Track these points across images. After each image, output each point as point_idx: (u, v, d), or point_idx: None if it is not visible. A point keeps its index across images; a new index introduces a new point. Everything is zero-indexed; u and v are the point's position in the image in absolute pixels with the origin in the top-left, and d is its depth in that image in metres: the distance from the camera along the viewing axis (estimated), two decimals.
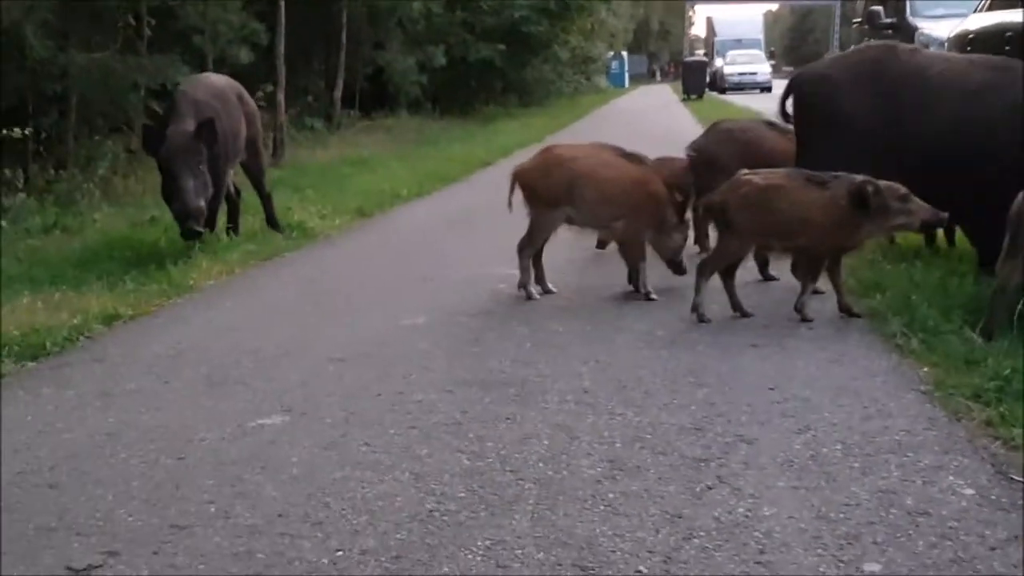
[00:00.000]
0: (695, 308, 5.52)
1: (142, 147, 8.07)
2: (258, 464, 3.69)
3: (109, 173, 11.57)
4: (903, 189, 5.15)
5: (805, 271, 5.44)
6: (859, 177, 5.19)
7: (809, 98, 6.32)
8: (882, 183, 5.16)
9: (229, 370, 4.90)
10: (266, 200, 8.83)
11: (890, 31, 15.38)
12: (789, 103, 6.59)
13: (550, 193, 6.08)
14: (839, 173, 5.27)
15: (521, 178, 6.21)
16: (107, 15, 12.46)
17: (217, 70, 14.97)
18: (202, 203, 7.25)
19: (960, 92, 5.87)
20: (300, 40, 20.03)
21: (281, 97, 14.71)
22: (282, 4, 14.41)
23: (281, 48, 14.62)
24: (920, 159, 5.72)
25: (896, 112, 5.89)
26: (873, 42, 6.71)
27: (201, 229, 7.34)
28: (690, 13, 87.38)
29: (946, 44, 12.40)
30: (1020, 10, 9.79)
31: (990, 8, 11.31)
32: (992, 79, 5.87)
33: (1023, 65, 5.97)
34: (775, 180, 5.33)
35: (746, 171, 5.46)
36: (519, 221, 6.29)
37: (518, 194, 6.24)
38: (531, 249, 6.25)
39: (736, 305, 5.55)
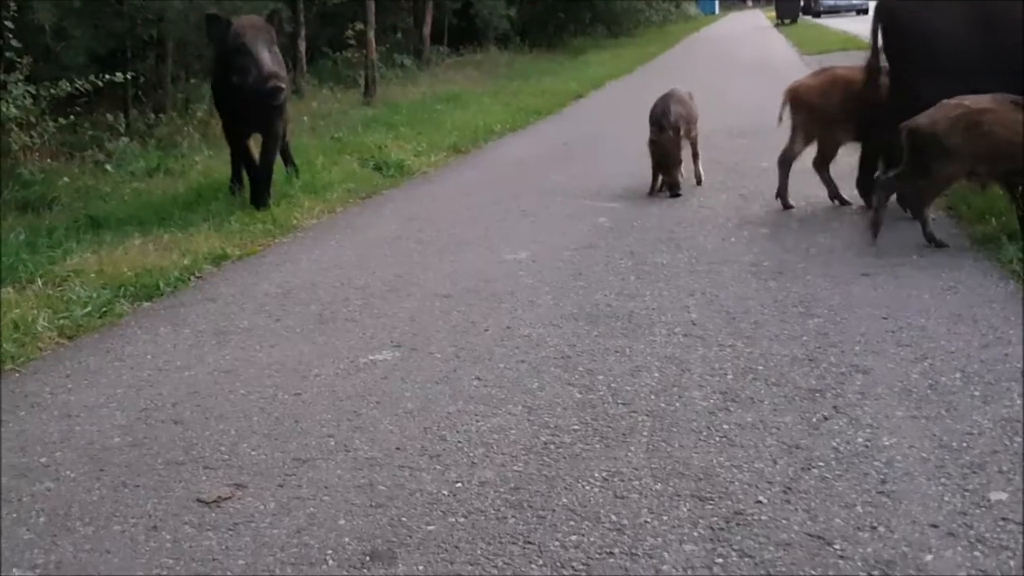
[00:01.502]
0: (931, 238, 5.32)
1: (206, 35, 7.47)
2: (373, 399, 3.75)
3: (207, 116, 11.70)
4: None
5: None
6: None
7: (898, 23, 6.01)
8: None
9: (338, 307, 4.97)
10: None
11: None
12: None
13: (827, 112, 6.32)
14: None
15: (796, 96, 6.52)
16: None
17: (307, 10, 15.10)
18: (281, 70, 6.92)
19: None
20: None
21: (371, 35, 14.71)
22: None
23: None
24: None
25: (993, 24, 5.57)
26: None
27: (283, 85, 6.94)
28: None
29: None
30: None
31: None
32: None
33: None
34: (984, 103, 5.14)
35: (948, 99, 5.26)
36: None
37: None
38: (823, 164, 6.54)
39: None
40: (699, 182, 7.36)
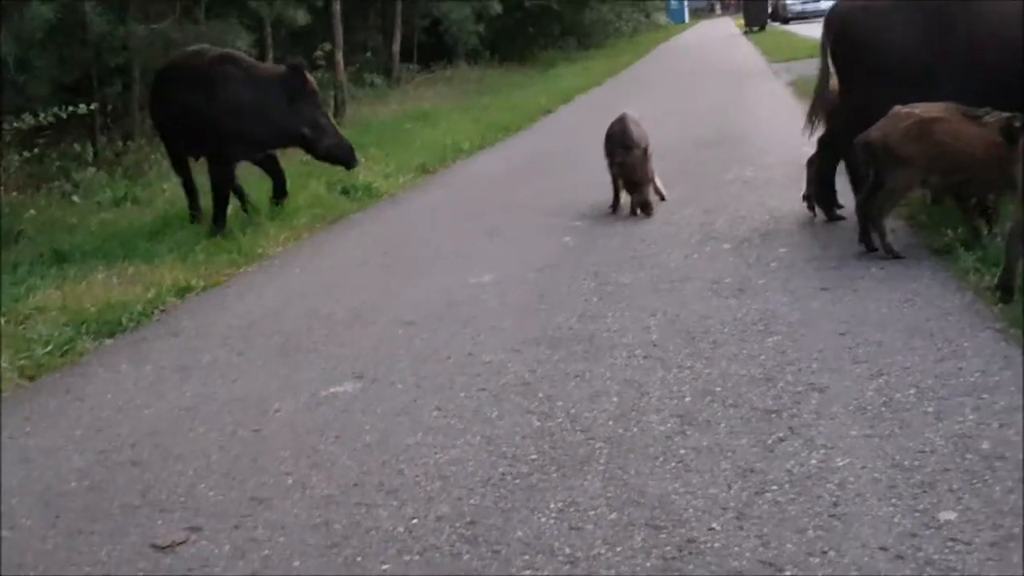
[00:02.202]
0: (889, 249, 5.36)
1: (289, 84, 7.31)
2: (332, 433, 3.75)
3: None
4: None
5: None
6: (1007, 113, 5.04)
7: (850, 30, 6.01)
8: None
9: (302, 338, 4.97)
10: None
11: None
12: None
13: None
14: (989, 108, 5.11)
15: None
16: None
17: (275, 32, 15.10)
18: None
19: (1015, 9, 5.59)
20: None
21: (339, 56, 14.73)
22: None
23: (337, 6, 14.59)
24: (978, 81, 5.47)
25: (944, 35, 5.60)
26: None
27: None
28: None
29: None
30: None
31: None
32: None
33: None
34: (935, 112, 5.18)
35: (901, 106, 5.32)
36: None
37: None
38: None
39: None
40: (662, 198, 7.34)
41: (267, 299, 5.74)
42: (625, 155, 7.00)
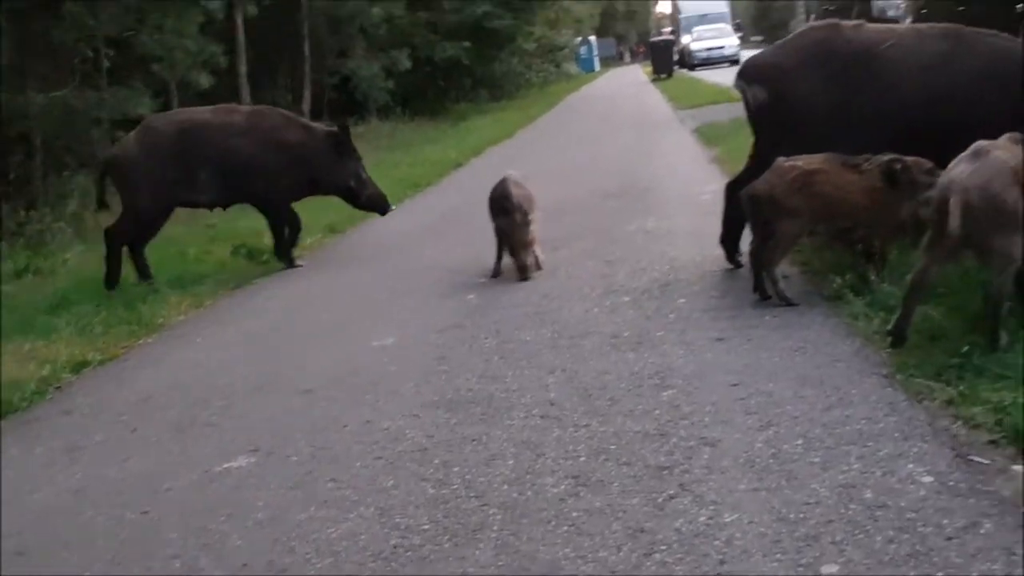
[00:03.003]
0: (782, 297, 5.44)
1: (336, 146, 8.70)
2: (224, 511, 3.69)
3: (79, 209, 11.54)
4: (929, 163, 5.12)
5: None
6: (886, 156, 5.19)
7: (759, 89, 6.18)
8: (909, 159, 5.15)
9: (198, 411, 4.90)
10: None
11: None
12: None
13: None
14: (869, 155, 5.26)
15: None
16: (64, 51, 12.44)
17: (180, 96, 15.00)
18: None
19: (917, 66, 5.81)
20: (263, 56, 20.03)
21: None
22: (240, 24, 14.38)
23: (243, 68, 14.64)
24: (881, 137, 5.66)
25: (851, 91, 5.83)
26: (815, 22, 6.55)
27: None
28: None
29: (902, 6, 12.41)
30: None
31: None
32: (947, 49, 5.83)
33: (972, 32, 5.97)
34: (816, 163, 5.32)
35: (784, 158, 5.44)
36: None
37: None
38: None
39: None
40: (539, 267, 7.16)
41: (165, 371, 5.66)
42: (503, 220, 6.95)
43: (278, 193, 8.33)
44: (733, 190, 6.38)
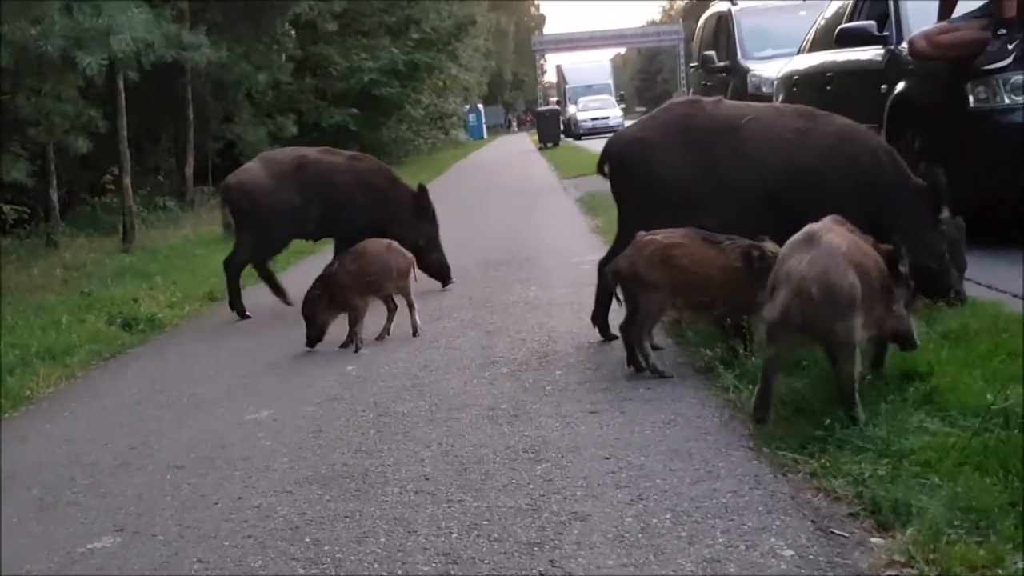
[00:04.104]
0: (653, 370, 5.52)
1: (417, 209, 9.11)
2: None
3: None
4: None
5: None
6: (747, 241, 5.33)
7: (625, 161, 6.37)
8: (769, 246, 5.24)
9: (62, 490, 4.75)
10: None
11: (724, 73, 15.93)
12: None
13: None
14: (731, 236, 5.41)
15: None
16: None
17: (59, 159, 14.68)
18: None
19: (776, 140, 6.04)
20: (145, 119, 19.80)
21: (127, 181, 14.46)
22: (120, 88, 14.17)
23: (123, 132, 14.37)
24: (741, 210, 5.87)
25: (712, 164, 6.03)
26: (676, 99, 6.78)
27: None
28: (541, 62, 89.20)
29: (775, 84, 12.91)
30: (838, 51, 10.30)
31: (811, 49, 11.83)
32: (804, 126, 6.09)
33: (824, 112, 6.26)
34: (676, 238, 5.44)
35: (643, 232, 5.56)
36: None
37: None
38: None
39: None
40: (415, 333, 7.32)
41: (30, 448, 5.48)
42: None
43: (356, 231, 8.27)
44: (604, 270, 6.49)
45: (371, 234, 8.08)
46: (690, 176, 6.06)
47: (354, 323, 7.06)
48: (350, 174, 9.00)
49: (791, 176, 5.91)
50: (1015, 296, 6.32)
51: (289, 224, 8.83)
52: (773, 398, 4.49)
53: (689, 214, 5.73)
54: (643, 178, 6.20)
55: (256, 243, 8.78)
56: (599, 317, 6.51)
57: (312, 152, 9.38)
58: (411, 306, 7.30)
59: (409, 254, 7.32)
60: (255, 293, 10.07)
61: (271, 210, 8.69)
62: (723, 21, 16.85)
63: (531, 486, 4.19)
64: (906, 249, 4.68)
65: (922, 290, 5.34)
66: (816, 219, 4.55)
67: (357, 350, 6.96)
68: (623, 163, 6.37)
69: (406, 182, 9.43)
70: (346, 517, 4.07)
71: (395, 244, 7.36)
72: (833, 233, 4.40)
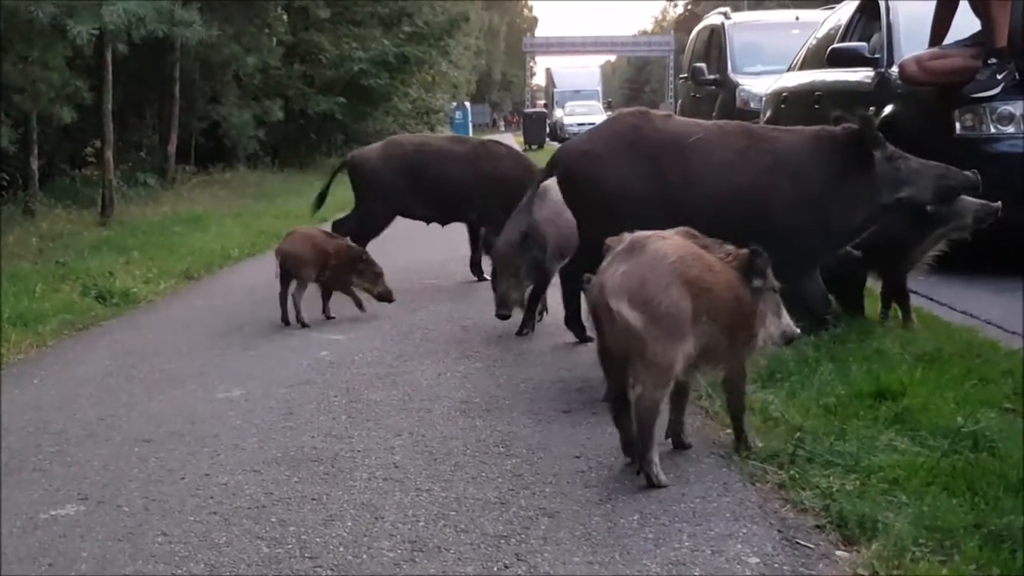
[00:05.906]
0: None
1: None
2: (45, 561, 3.55)
3: None
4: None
5: None
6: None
7: (573, 173, 6.22)
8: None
9: (28, 456, 4.71)
10: None
11: (713, 86, 15.97)
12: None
13: None
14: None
15: None
16: None
17: (41, 129, 14.55)
18: None
19: (722, 158, 5.98)
20: (131, 94, 19.67)
21: (109, 154, 14.33)
22: (108, 60, 14.05)
23: (108, 105, 14.23)
24: (689, 220, 5.78)
25: (659, 177, 5.91)
26: (624, 110, 6.68)
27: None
28: (531, 64, 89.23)
29: (763, 100, 12.96)
30: (828, 70, 10.35)
31: (802, 67, 11.89)
32: (748, 145, 6.01)
33: (770, 131, 6.25)
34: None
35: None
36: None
37: None
38: None
39: None
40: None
41: None
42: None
43: (489, 219, 8.33)
44: (566, 276, 6.46)
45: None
46: (635, 188, 5.90)
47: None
48: (472, 165, 9.05)
49: (733, 196, 5.80)
50: (988, 323, 6.38)
51: (391, 204, 9.10)
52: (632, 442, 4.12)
53: (635, 226, 5.66)
54: (588, 190, 6.10)
55: (357, 217, 9.32)
56: (573, 321, 6.50)
57: (438, 140, 10.13)
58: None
59: None
60: (226, 276, 10.06)
61: (373, 188, 9.17)
62: (716, 34, 16.91)
63: (500, 480, 4.19)
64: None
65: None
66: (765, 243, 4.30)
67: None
68: (570, 175, 6.24)
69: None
70: (313, 499, 4.06)
71: None
72: (666, 240, 3.98)
